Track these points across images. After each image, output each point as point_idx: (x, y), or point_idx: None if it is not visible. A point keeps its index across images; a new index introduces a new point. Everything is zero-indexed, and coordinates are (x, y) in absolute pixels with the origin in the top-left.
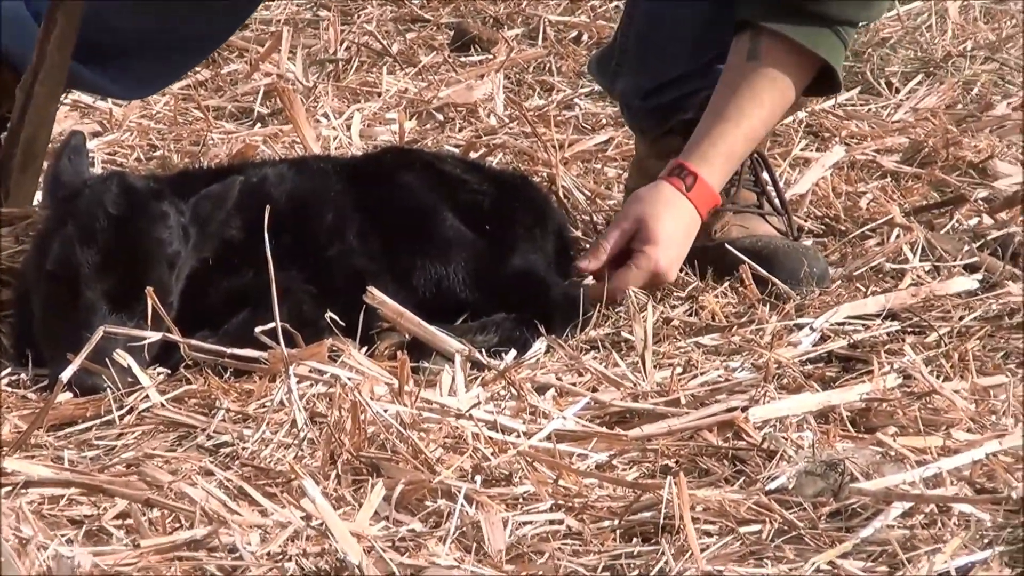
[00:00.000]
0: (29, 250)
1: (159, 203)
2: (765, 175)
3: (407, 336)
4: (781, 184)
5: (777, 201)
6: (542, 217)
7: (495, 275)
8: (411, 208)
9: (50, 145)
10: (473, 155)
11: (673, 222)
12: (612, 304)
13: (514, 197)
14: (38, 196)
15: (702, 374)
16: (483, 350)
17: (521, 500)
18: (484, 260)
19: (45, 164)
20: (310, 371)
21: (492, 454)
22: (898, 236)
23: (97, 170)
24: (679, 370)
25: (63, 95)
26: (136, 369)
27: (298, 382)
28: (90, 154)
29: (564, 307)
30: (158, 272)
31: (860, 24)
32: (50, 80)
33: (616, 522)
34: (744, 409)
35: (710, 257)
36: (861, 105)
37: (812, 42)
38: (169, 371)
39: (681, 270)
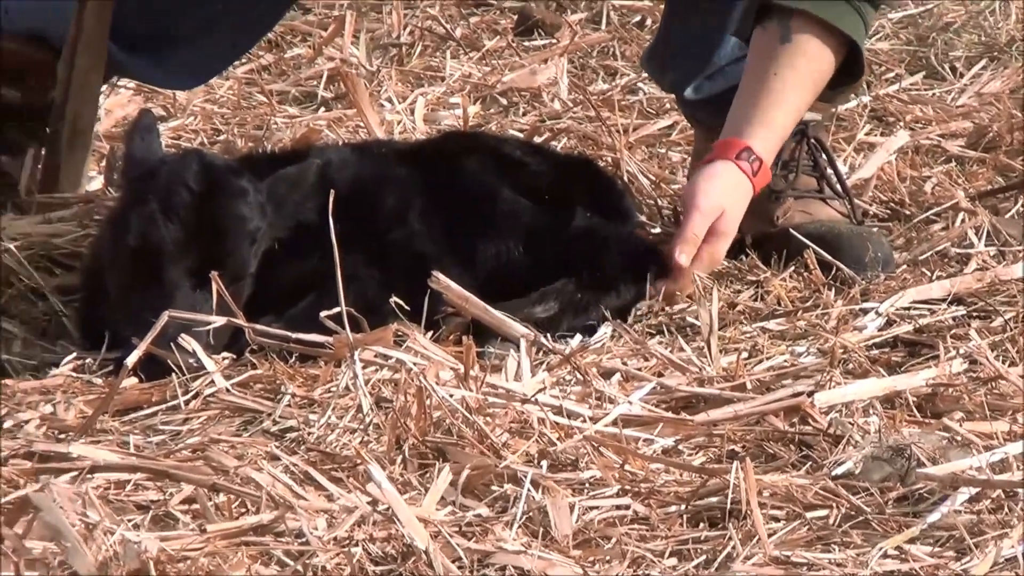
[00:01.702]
0: (102, 229)
1: (239, 179)
2: (824, 159)
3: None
4: (845, 169)
5: (838, 185)
6: (607, 197)
7: (556, 242)
8: (471, 188)
9: (115, 128)
10: (537, 139)
11: (740, 212)
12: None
13: (578, 178)
14: (91, 174)
15: (768, 359)
16: (548, 335)
17: (587, 485)
18: (545, 230)
19: (109, 145)
20: (375, 356)
21: (558, 439)
22: (963, 220)
23: None
24: (745, 355)
25: (112, 83)
26: (201, 353)
27: (363, 367)
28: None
29: (629, 264)
30: (240, 248)
31: (880, 7)
32: (90, 53)
33: (683, 507)
34: (810, 394)
35: (774, 243)
36: (925, 90)
37: (840, 21)
38: (235, 356)
39: (746, 255)
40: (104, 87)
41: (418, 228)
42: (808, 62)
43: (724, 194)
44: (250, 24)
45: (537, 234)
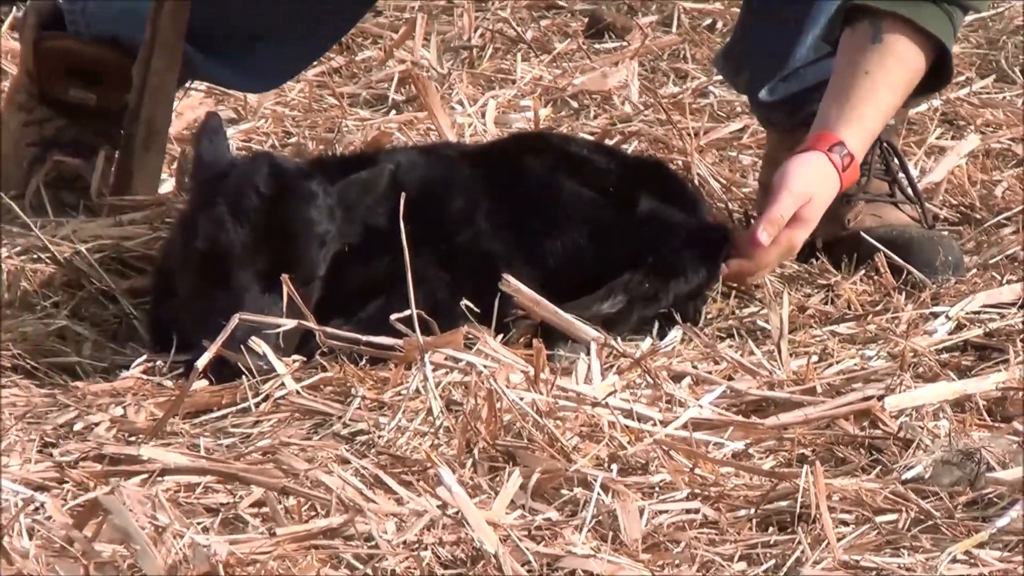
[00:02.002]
0: (172, 232)
1: (309, 183)
2: (896, 163)
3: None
4: (915, 172)
5: (910, 189)
6: (677, 196)
7: (622, 230)
8: (536, 185)
9: (185, 130)
10: (608, 142)
11: (826, 203)
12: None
13: (647, 177)
14: (162, 176)
15: (838, 363)
16: (619, 333)
17: (657, 489)
18: (610, 219)
19: (180, 147)
20: (445, 359)
21: (628, 442)
22: None
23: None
24: (815, 358)
25: (186, 84)
26: (271, 356)
27: (434, 370)
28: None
29: (696, 246)
30: (309, 251)
31: (969, 12)
32: (165, 56)
33: (752, 511)
34: (880, 398)
35: (845, 246)
36: (996, 93)
37: (930, 24)
38: (305, 358)
39: (816, 259)
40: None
41: (485, 228)
42: (898, 63)
43: (814, 182)
44: (326, 28)
45: (603, 224)
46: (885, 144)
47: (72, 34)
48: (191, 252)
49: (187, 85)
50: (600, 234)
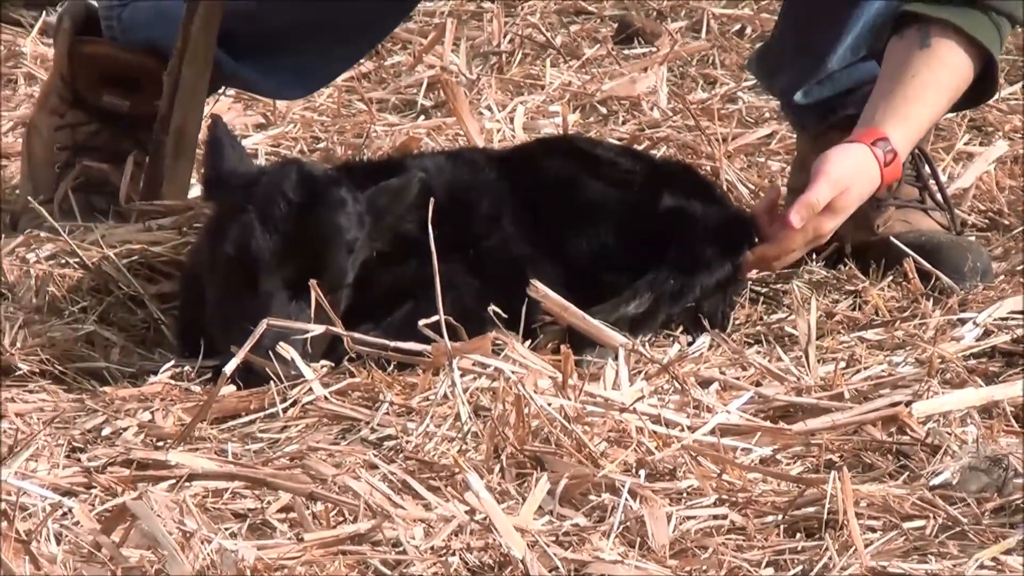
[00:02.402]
0: (200, 238)
1: (338, 190)
2: (927, 170)
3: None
4: (944, 179)
5: (939, 196)
6: (703, 194)
7: (646, 225)
8: (562, 185)
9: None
10: (637, 148)
11: (862, 196)
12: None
13: (672, 177)
14: (193, 182)
15: (865, 369)
16: (648, 333)
17: (685, 494)
18: (634, 215)
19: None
20: (473, 364)
21: (656, 448)
22: None
23: (261, 162)
24: (842, 364)
25: (219, 92)
26: (299, 362)
27: (462, 375)
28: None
29: (720, 237)
30: (337, 258)
31: (1017, 24)
32: (196, 62)
33: (780, 517)
34: (908, 404)
35: (873, 252)
36: None
37: (978, 32)
38: (333, 364)
39: (844, 264)
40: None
41: (512, 232)
42: (945, 68)
43: (854, 172)
44: (359, 36)
45: (627, 222)
46: (916, 150)
47: (108, 39)
48: (219, 258)
49: (218, 91)
50: (625, 231)
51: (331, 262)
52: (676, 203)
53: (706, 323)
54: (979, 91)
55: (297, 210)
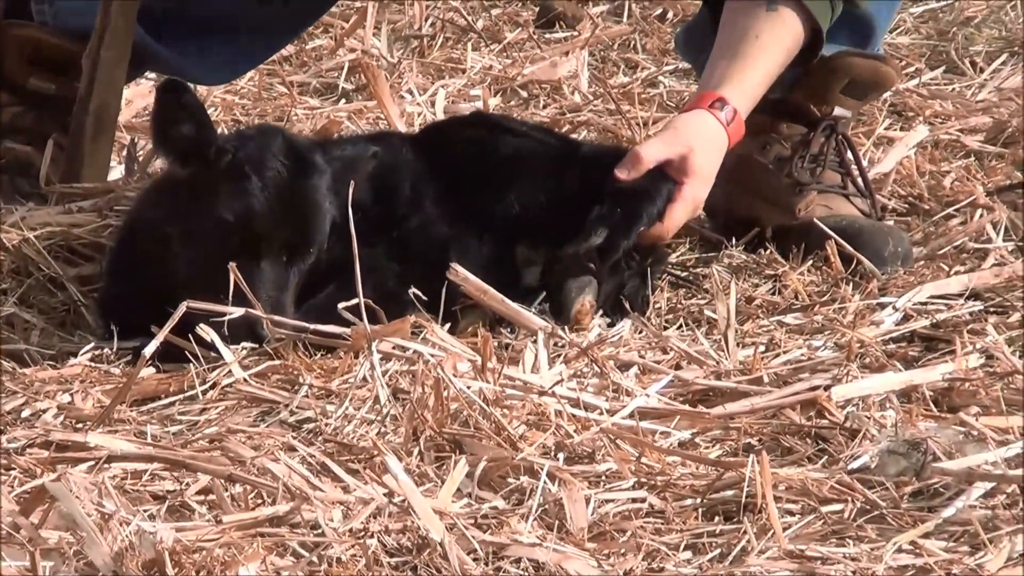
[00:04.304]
0: (161, 206)
1: (318, 157)
2: (849, 155)
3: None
4: (864, 164)
5: (861, 182)
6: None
7: (573, 175)
8: (479, 155)
9: (135, 118)
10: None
11: (714, 156)
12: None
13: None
14: (113, 164)
15: (785, 353)
16: (564, 327)
17: (604, 478)
18: (560, 168)
19: (130, 136)
20: (393, 347)
21: (575, 431)
22: (981, 216)
23: None
24: (762, 348)
25: (140, 74)
26: (219, 343)
27: (381, 359)
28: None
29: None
30: (324, 225)
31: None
32: (116, 45)
33: (698, 500)
34: (827, 388)
35: (793, 236)
36: (945, 84)
37: (816, 8)
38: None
39: (765, 248)
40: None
41: (433, 213)
42: (787, 31)
43: (694, 135)
44: (284, 23)
45: (551, 172)
46: (840, 136)
47: (38, 24)
48: (208, 224)
49: (141, 75)
50: (552, 182)
51: (319, 228)
52: (595, 149)
53: (627, 305)
54: (801, 60)
55: (289, 176)
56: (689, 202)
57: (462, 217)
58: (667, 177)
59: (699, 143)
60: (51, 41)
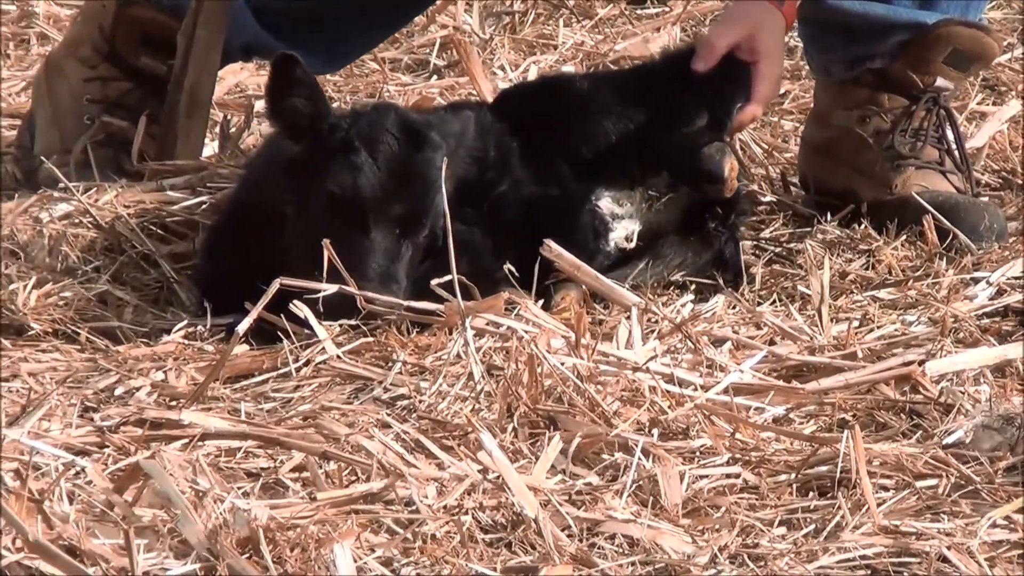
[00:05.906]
0: (271, 180)
1: (432, 133)
2: (950, 133)
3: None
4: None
5: (959, 156)
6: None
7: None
8: (557, 112)
9: (227, 95)
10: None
11: (777, 36)
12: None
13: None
14: (207, 141)
15: (878, 328)
16: (659, 303)
17: (698, 453)
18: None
19: (223, 113)
20: (487, 324)
21: (669, 407)
22: None
23: None
24: (856, 324)
25: (250, 60)
26: (312, 321)
27: (475, 335)
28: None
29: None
30: (438, 199)
31: None
32: (211, 24)
33: (793, 476)
34: (921, 363)
35: (888, 211)
36: None
37: None
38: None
39: (859, 223)
40: None
41: (523, 176)
42: None
43: (753, 18)
44: (391, 15)
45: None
46: (944, 111)
47: (155, 4)
48: (319, 197)
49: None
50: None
51: (434, 202)
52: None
53: (720, 281)
54: None
55: (403, 151)
56: (767, 78)
57: (548, 173)
58: (741, 61)
59: (760, 25)
60: (167, 22)
